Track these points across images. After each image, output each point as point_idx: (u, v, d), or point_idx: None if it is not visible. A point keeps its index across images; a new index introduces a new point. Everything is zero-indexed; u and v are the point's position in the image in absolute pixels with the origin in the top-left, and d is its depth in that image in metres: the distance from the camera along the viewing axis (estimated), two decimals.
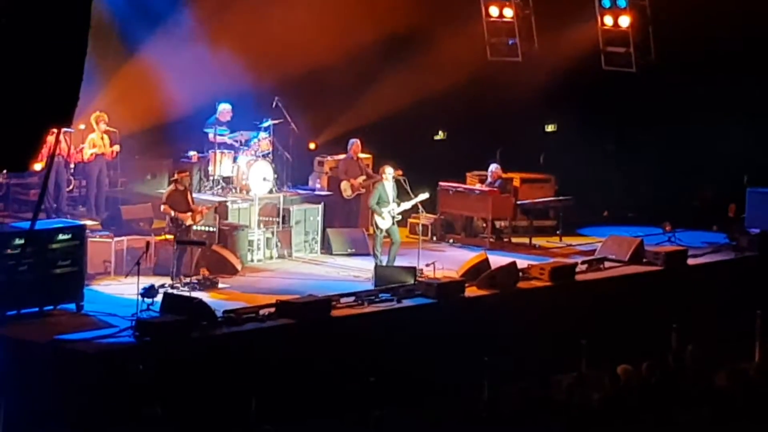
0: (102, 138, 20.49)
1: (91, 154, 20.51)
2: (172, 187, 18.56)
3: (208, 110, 21.10)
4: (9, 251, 15.53)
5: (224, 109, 20.99)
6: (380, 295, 17.48)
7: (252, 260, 19.78)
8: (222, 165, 20.63)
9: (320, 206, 21.01)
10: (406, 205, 19.38)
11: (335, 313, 16.69)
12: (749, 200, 22.36)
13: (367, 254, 20.15)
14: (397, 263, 19.01)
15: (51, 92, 6.99)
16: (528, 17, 23.62)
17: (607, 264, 19.93)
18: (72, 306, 16.27)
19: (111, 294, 17.30)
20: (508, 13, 23.65)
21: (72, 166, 20.69)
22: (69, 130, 19.03)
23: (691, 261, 20.48)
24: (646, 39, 22.82)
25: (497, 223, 21.87)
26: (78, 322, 15.84)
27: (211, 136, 20.78)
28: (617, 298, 19.15)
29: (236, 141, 20.96)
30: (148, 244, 17.68)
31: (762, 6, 21.40)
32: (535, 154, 24.09)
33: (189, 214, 18.21)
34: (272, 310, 16.26)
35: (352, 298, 17.23)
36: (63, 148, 20.09)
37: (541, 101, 23.19)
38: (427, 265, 18.68)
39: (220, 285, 18.08)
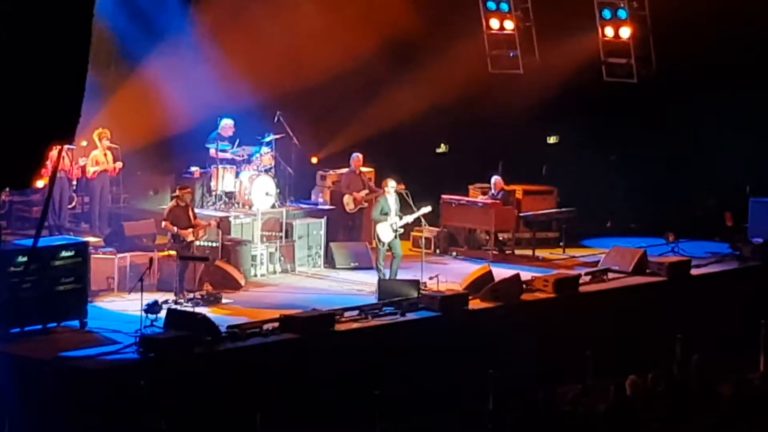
0: (105, 154, 20.51)
1: (94, 172, 20.53)
2: (173, 203, 18.53)
3: (210, 125, 21.09)
4: (12, 269, 15.52)
5: (226, 125, 20.99)
6: (384, 309, 17.47)
7: (255, 275, 19.76)
8: (224, 180, 20.62)
9: (323, 220, 21.00)
10: (409, 219, 19.37)
11: (339, 327, 16.68)
12: (752, 210, 22.30)
13: (371, 268, 20.13)
14: (400, 276, 18.99)
15: (53, 109, 7.00)
16: (529, 29, 23.61)
17: (610, 275, 19.91)
18: (75, 323, 16.25)
19: (114, 310, 17.28)
20: (509, 25, 23.64)
21: (74, 182, 20.69)
22: (71, 146, 19.02)
23: (694, 271, 20.45)
24: (647, 50, 22.84)
25: (500, 236, 21.84)
26: (82, 338, 15.82)
27: (213, 151, 20.79)
28: (621, 310, 19.12)
29: (238, 156, 20.95)
30: (151, 260, 17.67)
31: (763, 17, 21.40)
32: (538, 165, 24.09)
33: (190, 230, 18.19)
34: (276, 324, 16.25)
35: (355, 312, 17.21)
36: (65, 165, 20.11)
37: (543, 113, 23.18)
38: (431, 278, 18.66)
39: (224, 300, 18.08)
